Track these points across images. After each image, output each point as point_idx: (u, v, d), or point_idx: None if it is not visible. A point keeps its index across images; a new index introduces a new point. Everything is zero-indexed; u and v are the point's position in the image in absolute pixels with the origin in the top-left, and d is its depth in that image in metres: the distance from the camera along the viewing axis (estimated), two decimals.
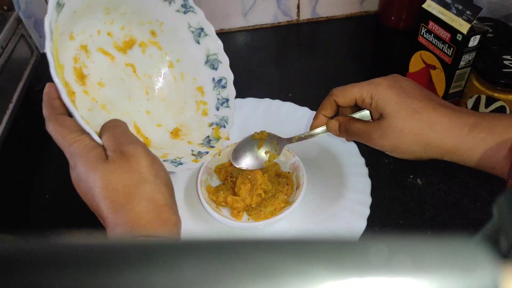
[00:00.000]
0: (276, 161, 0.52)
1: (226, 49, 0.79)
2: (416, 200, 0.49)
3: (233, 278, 0.13)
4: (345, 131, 0.44)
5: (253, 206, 0.48)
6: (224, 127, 0.46)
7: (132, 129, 0.45)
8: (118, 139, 0.34)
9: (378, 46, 0.77)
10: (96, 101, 0.44)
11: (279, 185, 0.49)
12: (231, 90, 0.49)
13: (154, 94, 0.49)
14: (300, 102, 0.60)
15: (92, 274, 0.13)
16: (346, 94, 0.43)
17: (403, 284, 0.13)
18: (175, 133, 0.47)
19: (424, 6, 0.56)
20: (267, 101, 0.61)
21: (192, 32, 0.49)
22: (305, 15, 0.80)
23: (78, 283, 0.13)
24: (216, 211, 0.47)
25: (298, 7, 0.78)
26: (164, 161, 0.42)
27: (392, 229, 0.46)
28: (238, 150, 0.50)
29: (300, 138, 0.48)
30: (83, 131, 0.35)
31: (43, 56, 0.77)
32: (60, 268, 0.13)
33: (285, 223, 0.47)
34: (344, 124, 0.44)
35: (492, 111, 0.52)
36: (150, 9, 0.48)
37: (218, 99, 0.47)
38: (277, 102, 0.61)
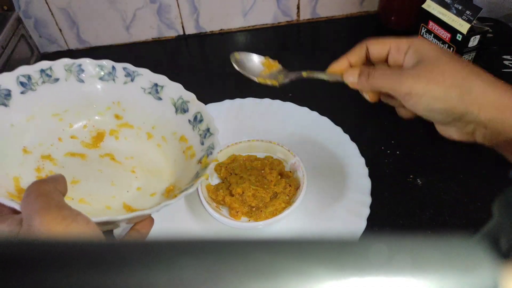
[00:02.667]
0: (280, 160, 0.52)
1: (226, 49, 0.79)
2: (416, 200, 0.49)
3: (233, 278, 0.13)
4: (365, 78, 0.39)
5: (252, 205, 0.48)
6: (211, 153, 0.43)
7: (121, 210, 0.44)
8: (24, 211, 0.30)
9: None
10: (72, 198, 0.42)
11: (280, 185, 0.49)
12: (208, 118, 0.46)
13: (142, 171, 0.47)
14: (300, 102, 0.60)
15: (92, 273, 0.13)
16: (381, 41, 0.39)
17: (403, 284, 0.13)
18: (168, 191, 0.45)
19: (424, 6, 0.56)
20: (267, 101, 0.61)
21: (150, 93, 0.48)
22: (305, 15, 0.80)
23: (78, 282, 0.13)
24: (216, 210, 0.47)
25: (298, 7, 0.78)
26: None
27: (392, 229, 0.46)
28: (246, 57, 0.46)
29: (310, 74, 0.45)
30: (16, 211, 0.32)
31: (43, 56, 0.77)
32: (59, 268, 0.13)
33: (285, 223, 0.47)
34: (366, 71, 0.39)
35: None
36: (100, 97, 0.48)
37: (200, 135, 0.46)
38: (277, 102, 0.61)
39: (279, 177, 0.50)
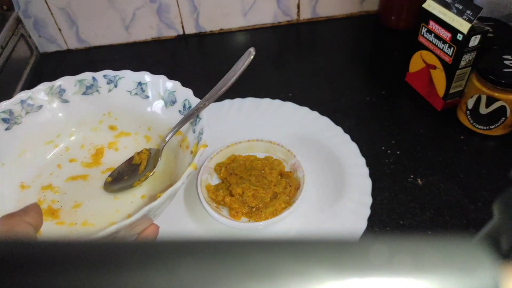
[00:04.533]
0: (280, 160, 0.52)
1: (226, 49, 0.79)
2: (416, 200, 0.49)
3: (233, 279, 0.13)
4: None
5: (252, 206, 0.48)
6: (201, 139, 0.40)
7: (124, 218, 0.41)
8: None
9: (378, 46, 0.77)
10: (75, 223, 0.41)
11: (280, 185, 0.49)
12: (195, 103, 0.44)
13: (147, 179, 0.44)
14: (300, 102, 0.60)
15: (91, 274, 0.13)
16: None
17: (403, 284, 0.13)
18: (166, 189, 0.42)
19: (425, 5, 0.56)
20: (267, 101, 0.61)
21: (136, 93, 0.46)
22: (305, 15, 0.80)
23: (77, 283, 0.13)
24: (216, 211, 0.47)
25: (298, 7, 0.78)
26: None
27: (392, 229, 0.46)
28: (117, 173, 0.45)
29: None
30: None
31: (43, 56, 0.77)
32: (59, 268, 0.13)
33: (286, 224, 0.47)
34: None
35: (492, 111, 0.52)
36: (90, 113, 0.47)
37: (191, 123, 0.43)
38: (277, 102, 0.61)
39: (279, 177, 0.50)
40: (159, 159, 0.44)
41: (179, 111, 0.45)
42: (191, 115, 0.42)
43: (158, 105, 0.46)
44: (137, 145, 0.48)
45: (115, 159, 0.47)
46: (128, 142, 0.48)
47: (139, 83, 0.46)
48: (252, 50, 0.44)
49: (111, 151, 0.48)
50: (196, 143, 0.41)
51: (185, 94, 0.45)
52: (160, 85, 0.46)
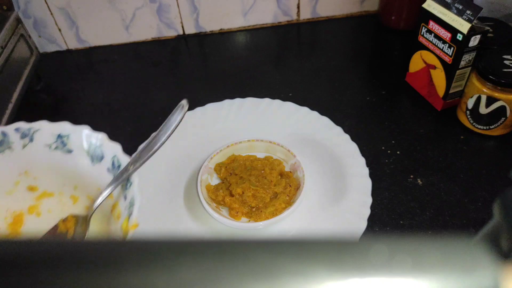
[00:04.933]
0: (280, 160, 0.52)
1: (226, 49, 0.79)
2: (416, 200, 0.49)
3: (233, 279, 0.13)
4: None
5: (252, 206, 0.48)
6: (132, 213, 0.35)
7: None
8: None
9: (378, 46, 0.77)
10: None
11: (280, 185, 0.49)
12: (125, 162, 0.39)
13: None
14: (300, 102, 0.60)
15: (90, 274, 0.13)
16: None
17: (403, 284, 0.13)
18: None
19: (425, 5, 0.56)
20: (267, 101, 0.61)
21: (57, 148, 0.41)
22: (305, 15, 0.80)
23: (77, 283, 0.13)
24: (216, 211, 0.47)
25: (298, 7, 0.78)
26: None
27: (392, 229, 0.46)
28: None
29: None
30: None
31: (43, 56, 0.77)
32: (59, 268, 0.13)
33: (286, 224, 0.47)
34: None
35: (492, 111, 0.52)
36: (2, 172, 0.40)
37: (122, 186, 0.38)
38: (277, 102, 0.61)
39: (279, 177, 0.50)
40: (87, 229, 0.38)
41: (108, 169, 0.39)
42: (120, 178, 0.37)
43: (83, 161, 0.41)
44: (63, 207, 0.42)
45: (38, 227, 0.41)
46: (52, 204, 0.42)
47: (59, 136, 0.40)
48: (184, 103, 0.40)
49: (32, 217, 0.42)
50: (127, 218, 0.36)
51: (113, 150, 0.39)
52: (83, 137, 0.40)
